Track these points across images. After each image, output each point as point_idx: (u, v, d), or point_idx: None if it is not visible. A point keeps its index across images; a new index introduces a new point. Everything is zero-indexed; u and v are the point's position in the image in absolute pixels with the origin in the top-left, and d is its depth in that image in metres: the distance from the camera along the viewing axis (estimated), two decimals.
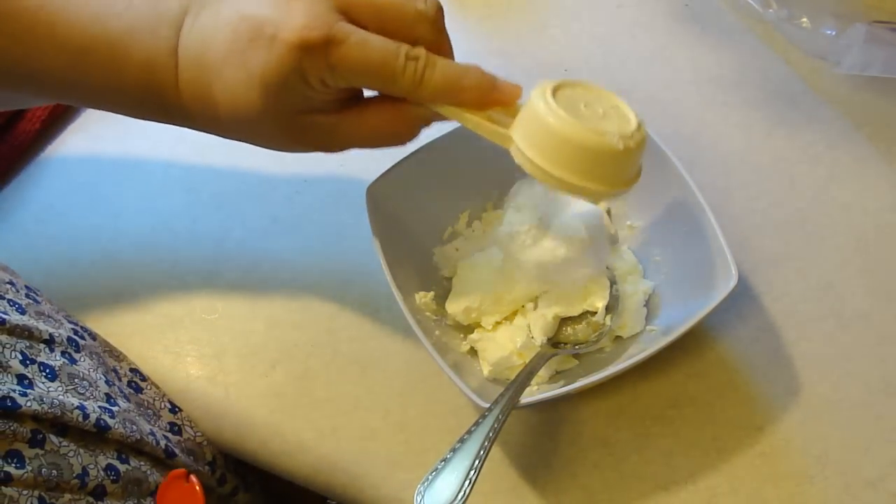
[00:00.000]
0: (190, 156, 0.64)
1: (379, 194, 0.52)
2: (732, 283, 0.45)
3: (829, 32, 0.59)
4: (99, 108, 0.49)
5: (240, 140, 0.47)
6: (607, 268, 0.52)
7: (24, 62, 0.45)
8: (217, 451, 0.54)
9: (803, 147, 0.59)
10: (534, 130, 0.41)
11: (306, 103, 0.43)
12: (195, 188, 0.62)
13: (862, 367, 0.50)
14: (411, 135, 0.46)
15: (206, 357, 0.55)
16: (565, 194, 0.42)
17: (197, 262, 0.59)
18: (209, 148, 0.64)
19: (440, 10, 0.43)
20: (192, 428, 0.53)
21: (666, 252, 0.53)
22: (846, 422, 0.48)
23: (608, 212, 0.55)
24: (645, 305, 0.51)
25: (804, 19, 0.60)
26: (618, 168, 0.42)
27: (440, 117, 0.44)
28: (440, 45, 0.43)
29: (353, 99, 0.44)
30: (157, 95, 0.45)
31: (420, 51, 0.41)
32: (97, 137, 0.66)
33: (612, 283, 0.51)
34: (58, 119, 0.67)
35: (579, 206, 0.54)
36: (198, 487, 0.46)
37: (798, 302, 0.53)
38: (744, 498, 0.47)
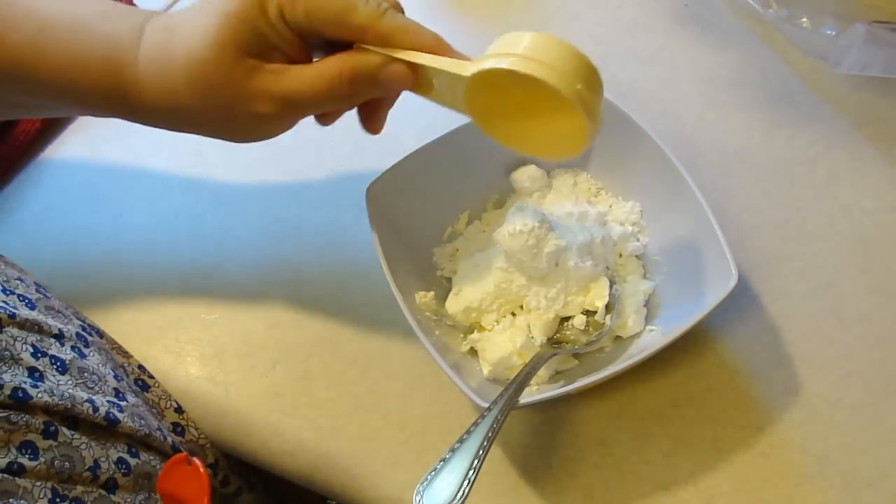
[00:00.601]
0: (190, 156, 0.64)
1: (379, 194, 0.52)
2: (732, 283, 0.45)
3: (829, 32, 0.59)
4: (56, 102, 0.48)
5: (188, 122, 0.46)
6: (607, 268, 0.52)
7: None
8: (220, 453, 0.54)
9: (803, 147, 0.59)
10: (506, 40, 0.40)
11: (259, 42, 0.42)
12: (195, 188, 0.62)
13: (862, 367, 0.50)
14: (356, 89, 0.44)
15: (206, 357, 0.55)
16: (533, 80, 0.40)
17: (197, 262, 0.59)
18: (209, 148, 0.64)
19: None
20: (195, 429, 0.53)
21: (666, 252, 0.53)
22: (846, 422, 0.48)
23: (608, 213, 0.56)
24: (645, 305, 0.51)
25: (804, 19, 0.60)
26: (587, 80, 0.41)
27: (387, 77, 0.42)
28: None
29: (304, 61, 0.44)
30: (116, 75, 0.44)
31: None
32: (97, 137, 0.66)
33: (612, 283, 0.51)
34: (58, 119, 0.67)
35: (579, 208, 0.54)
36: (201, 469, 0.46)
37: (798, 302, 0.53)
38: (744, 498, 0.47)
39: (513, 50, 0.39)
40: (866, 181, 0.57)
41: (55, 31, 0.44)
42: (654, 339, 0.50)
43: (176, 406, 0.53)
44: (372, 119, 0.47)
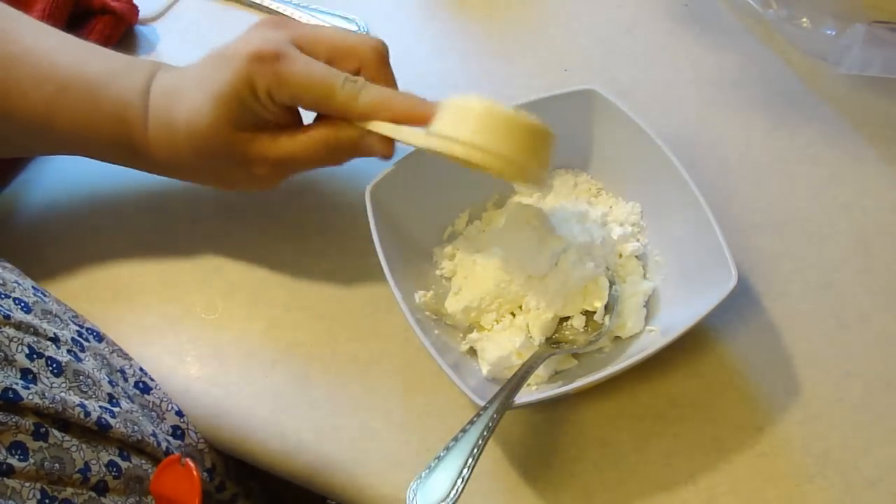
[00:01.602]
0: None
1: (379, 194, 0.52)
2: (732, 283, 0.45)
3: (829, 32, 0.59)
4: (70, 151, 0.55)
5: (192, 176, 0.54)
6: (607, 268, 0.52)
7: (4, 97, 0.50)
8: (218, 458, 0.54)
9: (803, 147, 0.59)
10: (455, 114, 0.46)
11: (252, 118, 0.48)
12: (195, 188, 0.62)
13: (862, 367, 0.50)
14: (340, 155, 0.50)
15: (206, 357, 0.55)
16: (482, 166, 0.45)
17: (197, 263, 0.59)
18: None
19: (385, 48, 0.49)
20: (195, 433, 0.53)
21: (666, 252, 0.53)
22: (846, 422, 0.48)
23: (608, 213, 0.56)
24: (644, 306, 0.51)
25: (804, 19, 0.60)
26: (532, 151, 0.46)
27: (366, 146, 0.49)
28: (385, 78, 0.49)
29: (294, 125, 0.50)
30: (127, 133, 0.51)
31: (359, 77, 0.48)
32: None
33: (612, 283, 0.51)
34: None
35: (580, 208, 0.54)
36: (195, 472, 0.46)
37: (798, 302, 0.53)
38: (744, 498, 0.47)
39: (457, 132, 0.45)
40: (866, 181, 0.57)
41: (72, 90, 0.50)
42: (653, 339, 0.50)
43: (177, 409, 0.53)
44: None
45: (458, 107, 0.45)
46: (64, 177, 0.64)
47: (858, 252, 0.54)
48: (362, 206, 0.51)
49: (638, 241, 0.54)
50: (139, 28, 0.72)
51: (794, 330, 0.52)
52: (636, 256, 0.54)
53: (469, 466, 0.41)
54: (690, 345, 0.51)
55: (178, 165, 0.52)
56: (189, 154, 0.50)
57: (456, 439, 0.42)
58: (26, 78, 0.50)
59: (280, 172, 0.51)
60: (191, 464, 0.46)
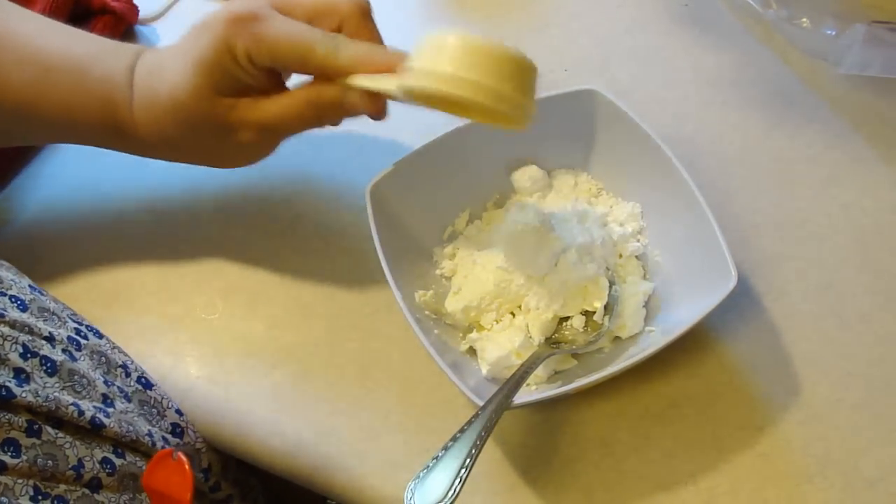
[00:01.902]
0: None
1: (379, 194, 0.52)
2: (732, 283, 0.45)
3: (829, 32, 0.59)
4: (56, 137, 0.55)
5: (179, 153, 0.53)
6: (607, 269, 0.52)
7: None
8: (215, 458, 0.54)
9: (803, 147, 0.59)
10: (432, 49, 0.43)
11: (233, 83, 0.47)
12: (195, 188, 0.62)
13: (862, 367, 0.50)
14: (325, 115, 0.49)
15: (206, 357, 0.55)
16: (468, 106, 0.43)
17: (197, 262, 0.59)
18: None
19: (366, 3, 0.48)
20: (193, 432, 0.53)
21: (666, 252, 0.53)
22: (846, 422, 0.48)
23: (608, 213, 0.56)
24: (644, 306, 0.51)
25: (804, 19, 0.60)
26: (515, 79, 0.43)
27: (351, 104, 0.47)
28: (369, 34, 0.48)
29: (277, 89, 0.49)
30: (112, 112, 0.50)
31: (339, 35, 0.47)
32: None
33: (612, 283, 0.51)
34: None
35: (580, 208, 0.54)
36: (187, 466, 0.46)
37: (798, 302, 0.53)
38: (744, 498, 0.47)
39: (435, 65, 0.42)
40: (866, 181, 0.57)
41: (56, 72, 0.50)
42: (653, 339, 0.50)
43: (176, 407, 0.53)
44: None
45: (435, 41, 0.43)
46: (64, 177, 0.64)
47: (858, 252, 0.54)
48: (362, 206, 0.51)
49: (638, 241, 0.54)
50: (139, 28, 0.72)
51: (794, 330, 0.52)
52: (636, 256, 0.54)
53: (467, 467, 0.41)
54: (690, 345, 0.51)
55: (164, 142, 0.51)
56: (173, 128, 0.49)
57: (454, 439, 0.42)
58: (9, 60, 0.50)
59: (266, 138, 0.51)
60: (183, 457, 0.46)
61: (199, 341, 0.55)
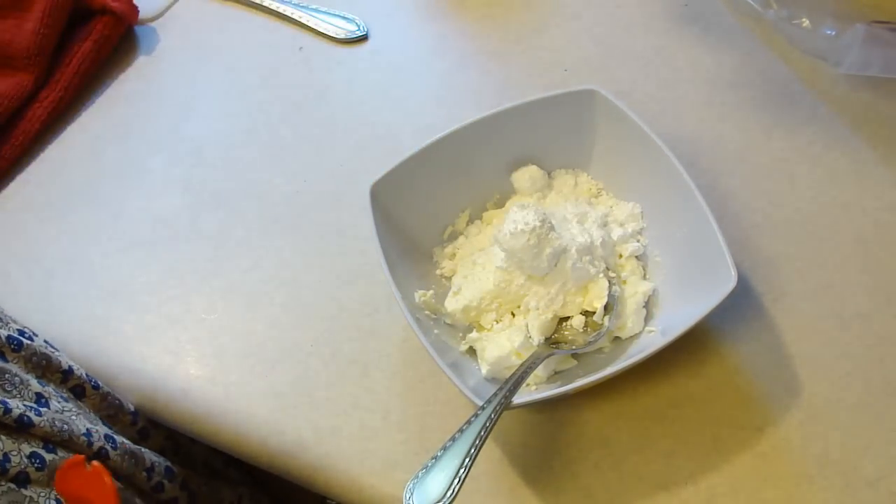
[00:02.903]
0: (190, 155, 0.64)
1: (380, 194, 0.52)
2: (732, 283, 0.45)
3: (829, 32, 0.59)
4: None
5: None
6: (607, 269, 0.52)
7: None
8: (160, 458, 0.53)
9: (803, 147, 0.59)
10: None
11: None
12: (195, 188, 0.62)
13: (862, 367, 0.50)
14: None
15: (206, 357, 0.55)
16: None
17: (197, 262, 0.59)
18: (209, 148, 0.64)
19: None
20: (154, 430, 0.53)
21: (666, 252, 0.53)
22: (846, 422, 0.48)
23: (608, 214, 0.55)
24: (644, 306, 0.51)
25: (804, 19, 0.60)
26: None
27: None
28: None
29: None
30: None
31: None
32: (97, 137, 0.66)
33: (612, 284, 0.51)
34: (58, 119, 0.67)
35: (580, 208, 0.54)
36: (106, 479, 0.45)
37: (798, 302, 0.53)
38: (744, 498, 0.47)
39: None
40: (866, 181, 0.57)
41: None
42: (653, 339, 0.49)
43: (132, 410, 0.53)
44: None
45: None
46: (64, 177, 0.64)
47: (858, 252, 0.54)
48: (362, 205, 0.51)
49: (638, 241, 0.54)
50: (139, 28, 0.72)
51: (794, 330, 0.52)
52: (636, 257, 0.54)
53: (466, 466, 0.41)
54: (690, 345, 0.51)
55: None
56: None
57: (453, 439, 0.42)
58: None
59: None
60: (98, 466, 0.45)
61: (199, 341, 0.55)
